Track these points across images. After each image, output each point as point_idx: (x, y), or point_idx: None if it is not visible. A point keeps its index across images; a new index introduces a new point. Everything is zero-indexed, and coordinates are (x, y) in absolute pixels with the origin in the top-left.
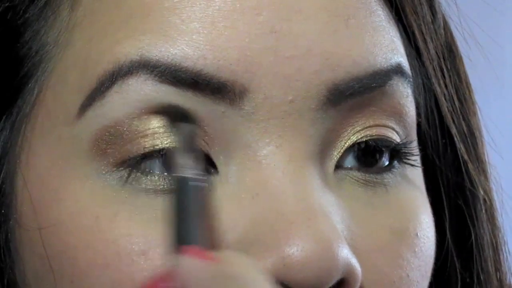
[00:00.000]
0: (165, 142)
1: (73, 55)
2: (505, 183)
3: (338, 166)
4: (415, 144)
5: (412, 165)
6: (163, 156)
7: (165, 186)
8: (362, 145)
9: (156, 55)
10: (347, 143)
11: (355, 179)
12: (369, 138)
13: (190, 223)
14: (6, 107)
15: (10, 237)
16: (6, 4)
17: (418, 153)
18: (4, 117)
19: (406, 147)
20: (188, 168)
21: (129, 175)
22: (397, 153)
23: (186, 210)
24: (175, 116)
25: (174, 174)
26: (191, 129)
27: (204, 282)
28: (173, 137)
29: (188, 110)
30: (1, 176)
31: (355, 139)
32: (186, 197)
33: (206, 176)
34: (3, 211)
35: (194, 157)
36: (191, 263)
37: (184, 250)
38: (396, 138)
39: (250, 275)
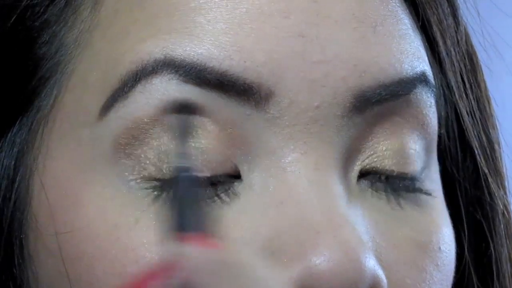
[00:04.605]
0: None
1: (94, 55)
2: None
3: (361, 176)
4: (434, 168)
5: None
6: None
7: None
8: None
9: (181, 54)
10: (367, 166)
11: (378, 191)
12: (386, 173)
13: (189, 211)
14: (23, 109)
15: (24, 241)
16: (25, 3)
17: (437, 177)
18: (20, 119)
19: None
20: (182, 159)
21: (156, 189)
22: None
23: (184, 199)
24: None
25: (169, 165)
26: (185, 119)
27: (209, 272)
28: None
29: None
30: (17, 179)
31: (372, 166)
32: (181, 186)
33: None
34: (17, 214)
35: (188, 149)
36: (195, 251)
37: (184, 237)
38: (416, 165)
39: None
